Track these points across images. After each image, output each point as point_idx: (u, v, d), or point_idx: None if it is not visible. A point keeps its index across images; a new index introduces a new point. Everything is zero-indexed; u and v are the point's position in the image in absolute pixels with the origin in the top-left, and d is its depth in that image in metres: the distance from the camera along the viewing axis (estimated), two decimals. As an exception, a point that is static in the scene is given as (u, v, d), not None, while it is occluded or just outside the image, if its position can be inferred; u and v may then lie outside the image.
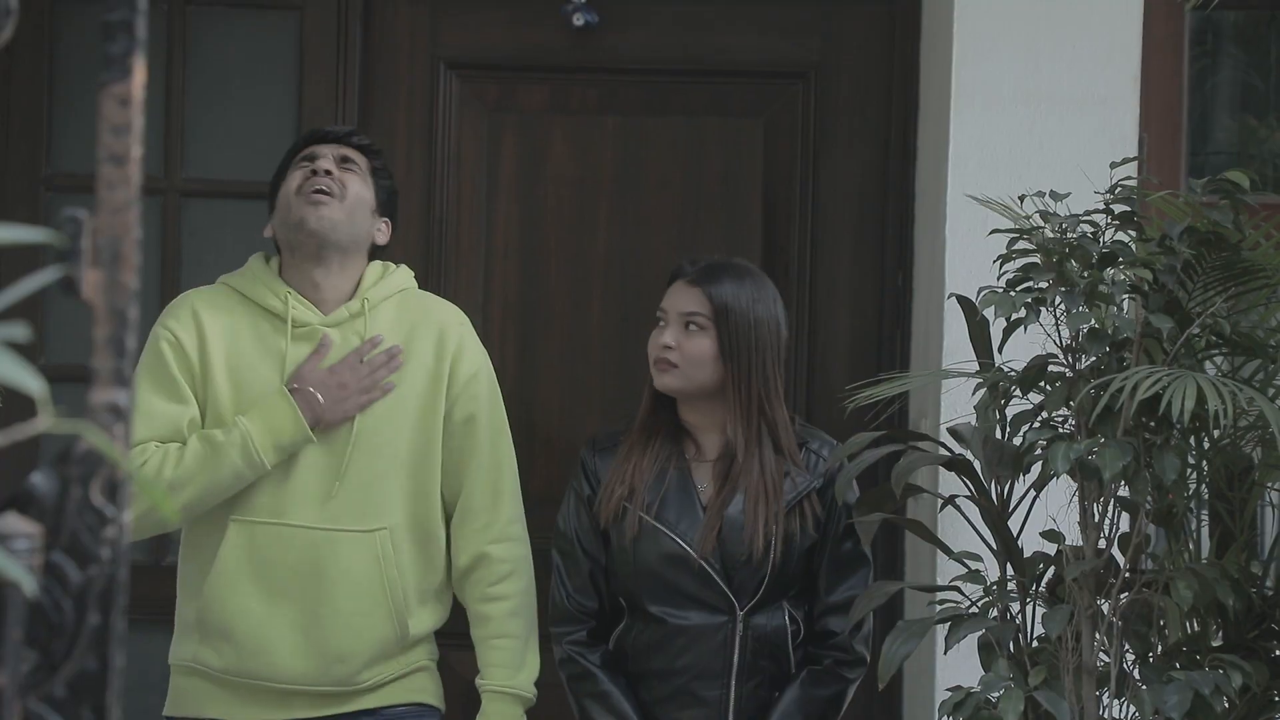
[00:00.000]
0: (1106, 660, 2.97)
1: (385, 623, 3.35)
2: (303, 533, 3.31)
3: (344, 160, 3.44)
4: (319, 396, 3.31)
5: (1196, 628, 3.06)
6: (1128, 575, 2.98)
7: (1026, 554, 3.11)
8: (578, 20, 4.20)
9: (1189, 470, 3.02)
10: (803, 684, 3.35)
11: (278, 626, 3.29)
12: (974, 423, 3.15)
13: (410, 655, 3.42)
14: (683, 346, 3.36)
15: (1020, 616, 3.08)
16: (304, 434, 3.29)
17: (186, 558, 3.40)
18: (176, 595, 3.44)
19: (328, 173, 3.38)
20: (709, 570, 3.32)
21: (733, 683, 3.33)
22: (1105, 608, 2.97)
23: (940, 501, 3.26)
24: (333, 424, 3.32)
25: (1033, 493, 3.13)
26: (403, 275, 3.50)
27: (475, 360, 3.45)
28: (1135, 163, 3.17)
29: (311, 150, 3.45)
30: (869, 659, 3.38)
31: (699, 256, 3.48)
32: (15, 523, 1.20)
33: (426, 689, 3.46)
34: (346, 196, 3.39)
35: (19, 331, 1.14)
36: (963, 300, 3.26)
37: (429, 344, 3.42)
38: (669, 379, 3.38)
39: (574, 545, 3.45)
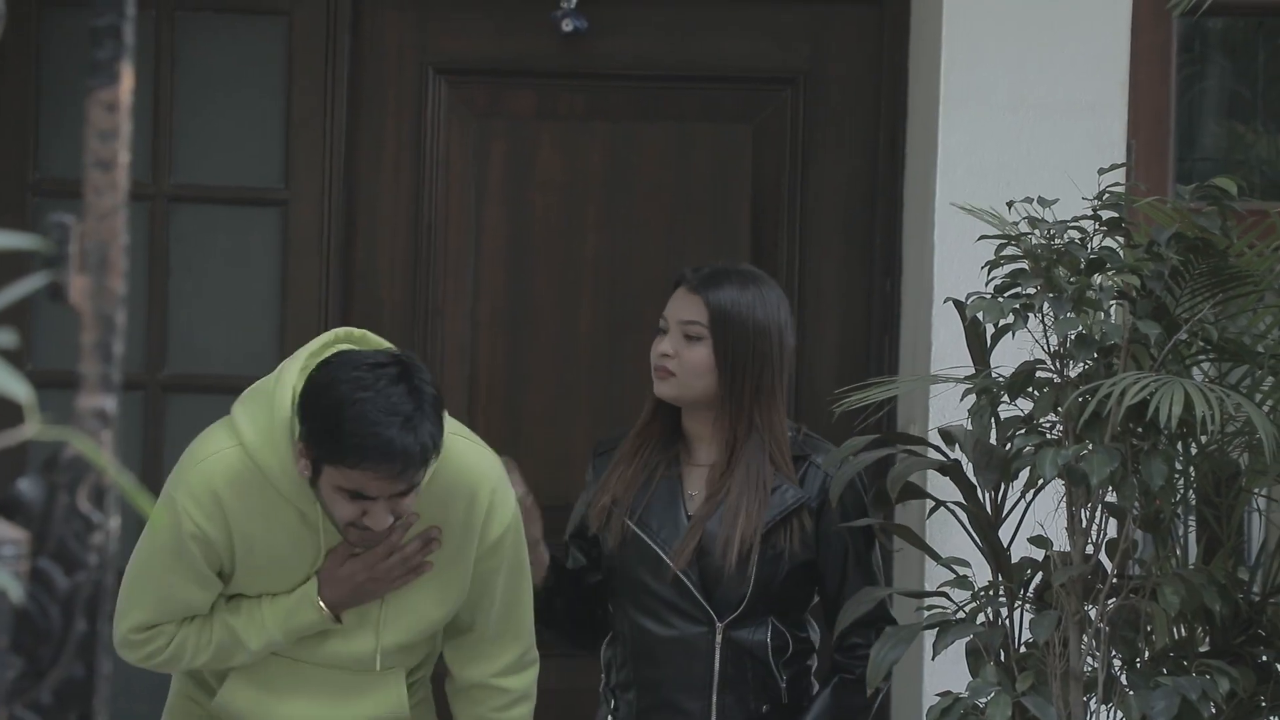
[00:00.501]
0: (1094, 666, 2.98)
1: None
2: (319, 670, 3.20)
3: (400, 494, 3.02)
4: (345, 590, 3.11)
5: (1183, 633, 3.07)
6: (1115, 581, 2.98)
7: (1014, 560, 3.11)
8: (566, 26, 4.20)
9: (1176, 476, 3.02)
10: (834, 691, 3.30)
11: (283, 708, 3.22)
12: (967, 426, 3.15)
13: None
14: (681, 355, 3.32)
15: (1008, 622, 3.08)
16: (325, 626, 3.14)
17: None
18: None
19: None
20: (685, 581, 3.28)
21: (714, 694, 3.28)
22: (1093, 613, 2.97)
23: (929, 506, 3.26)
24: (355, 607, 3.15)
25: (1022, 498, 3.13)
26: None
27: (504, 520, 3.21)
28: (1123, 169, 3.17)
29: (362, 484, 2.97)
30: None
31: (706, 264, 3.42)
32: (2, 529, 1.20)
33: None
34: (398, 523, 3.08)
35: (6, 337, 1.14)
36: (958, 304, 3.26)
37: (457, 515, 3.17)
38: (667, 387, 3.34)
39: (571, 541, 3.47)
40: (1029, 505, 3.12)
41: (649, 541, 3.32)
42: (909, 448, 3.30)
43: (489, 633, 3.26)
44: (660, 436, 3.39)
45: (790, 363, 3.37)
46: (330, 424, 2.96)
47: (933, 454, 3.26)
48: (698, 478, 3.36)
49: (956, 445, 3.18)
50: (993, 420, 3.07)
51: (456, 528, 3.16)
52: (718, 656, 3.29)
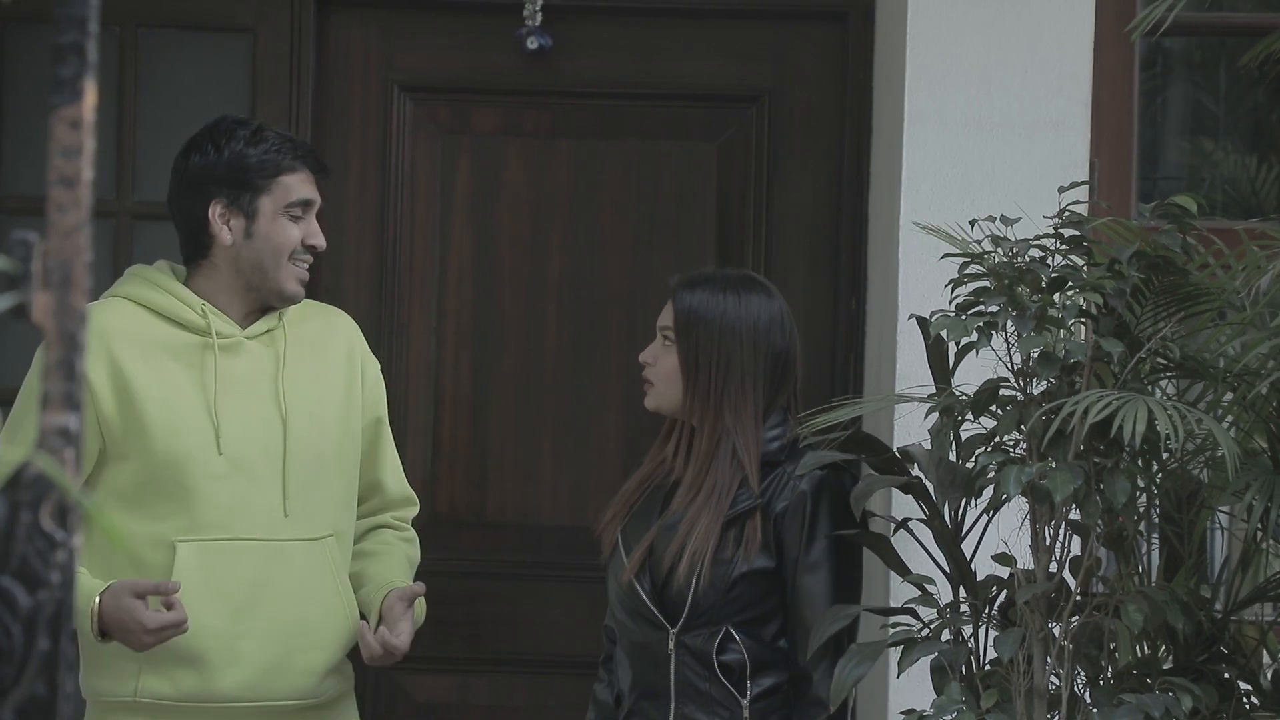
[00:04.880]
0: (1058, 683, 2.98)
1: (343, 628, 3.35)
2: (256, 545, 3.28)
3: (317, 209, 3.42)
4: (113, 611, 3.16)
5: (1147, 651, 3.08)
6: (1079, 598, 2.99)
7: (979, 577, 3.12)
8: (531, 44, 4.20)
9: (1139, 493, 3.04)
10: None
11: (245, 640, 3.26)
12: (927, 445, 3.16)
13: (347, 669, 3.43)
14: (658, 361, 3.33)
15: (973, 640, 3.09)
16: (85, 619, 3.19)
17: None
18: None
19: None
20: (637, 587, 3.28)
21: (672, 704, 3.26)
22: (1056, 631, 2.98)
23: (893, 525, 3.26)
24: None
25: (985, 516, 3.14)
26: None
27: (376, 365, 3.54)
28: (1085, 187, 3.18)
29: (307, 195, 3.37)
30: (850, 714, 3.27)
31: (699, 269, 3.42)
32: (-37, 547, 1.19)
33: (355, 713, 3.47)
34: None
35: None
36: (921, 321, 3.26)
37: (339, 351, 3.45)
38: (649, 399, 3.35)
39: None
40: (990, 522, 3.13)
41: (620, 549, 3.34)
42: (875, 457, 3.29)
43: (392, 495, 3.54)
44: (675, 450, 3.38)
45: (776, 367, 3.31)
46: (250, 150, 3.31)
47: (897, 470, 3.27)
48: (684, 486, 3.34)
49: (915, 465, 3.18)
50: (954, 439, 3.07)
51: (340, 364, 3.43)
52: (673, 663, 3.26)
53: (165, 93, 4.27)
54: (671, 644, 3.26)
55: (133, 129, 4.24)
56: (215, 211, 3.32)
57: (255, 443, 3.30)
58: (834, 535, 3.25)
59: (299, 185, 3.34)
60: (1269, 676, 3.12)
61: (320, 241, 3.36)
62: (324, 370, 3.41)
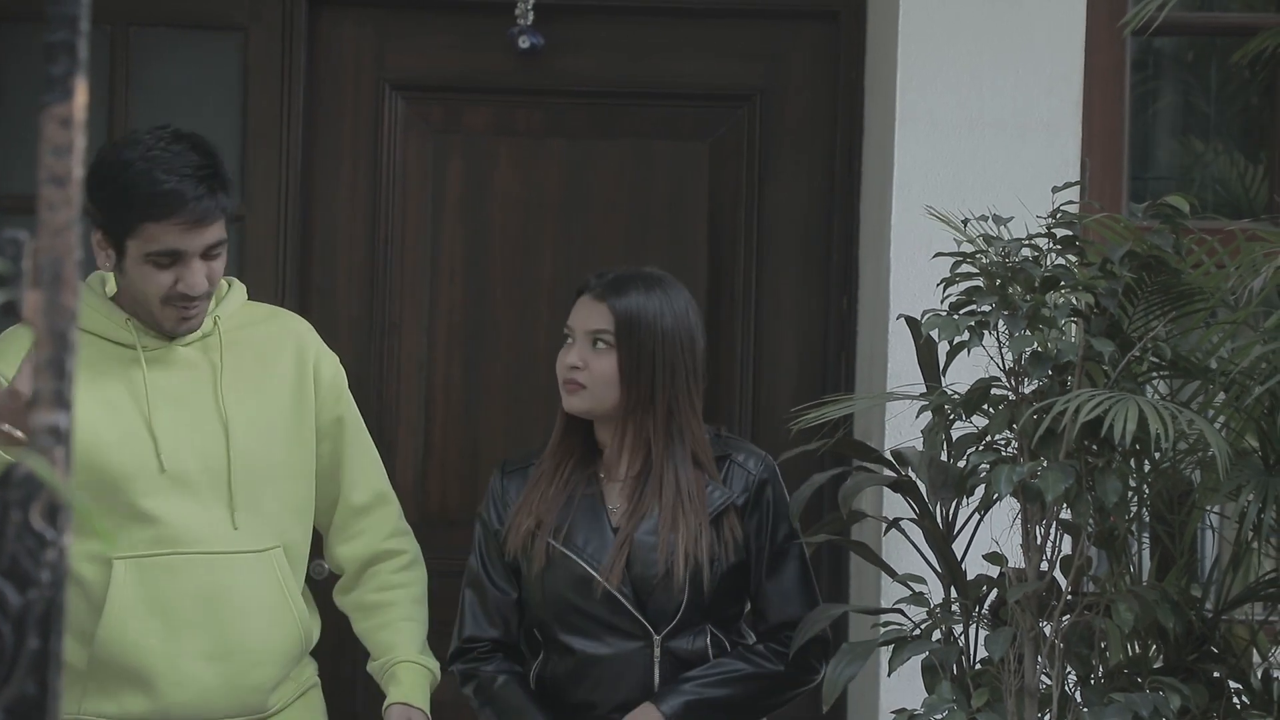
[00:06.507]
0: (1048, 682, 2.99)
1: (293, 641, 3.29)
2: (198, 559, 3.18)
3: (210, 249, 3.14)
4: None
5: (1137, 650, 3.08)
6: (1069, 597, 2.99)
7: (970, 576, 3.12)
8: (523, 43, 4.20)
9: (1130, 493, 3.04)
10: (756, 676, 3.25)
11: (188, 660, 3.18)
12: (919, 446, 3.16)
13: (304, 673, 3.39)
14: (590, 366, 3.25)
15: (963, 639, 3.09)
16: None
17: None
18: None
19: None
20: (618, 596, 3.21)
21: None
22: (1047, 630, 2.98)
23: (884, 524, 3.27)
24: None
25: (976, 515, 3.14)
26: (240, 289, 3.36)
27: (333, 363, 3.39)
28: (1077, 187, 3.19)
29: (175, 245, 3.08)
30: (813, 672, 3.28)
31: (607, 269, 3.37)
32: (-46, 546, 1.19)
33: (319, 706, 3.43)
34: (211, 290, 3.19)
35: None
36: (910, 321, 3.26)
37: (288, 354, 3.33)
38: (577, 400, 3.27)
39: (482, 581, 3.35)
40: (980, 521, 3.13)
41: (577, 560, 3.24)
42: (863, 464, 3.30)
43: (360, 499, 3.39)
44: (577, 453, 3.33)
45: (703, 364, 3.32)
46: (123, 186, 3.05)
47: (887, 470, 3.27)
48: (618, 492, 3.30)
49: (909, 467, 3.19)
50: (945, 438, 3.08)
51: (289, 368, 3.30)
52: (657, 670, 3.23)
53: (157, 91, 4.26)
54: (657, 651, 3.24)
55: (124, 127, 4.23)
56: (95, 238, 3.13)
57: (197, 456, 3.18)
58: (792, 523, 3.28)
59: (165, 234, 3.09)
60: (1259, 676, 3.13)
61: (192, 291, 3.12)
62: (269, 376, 3.29)
